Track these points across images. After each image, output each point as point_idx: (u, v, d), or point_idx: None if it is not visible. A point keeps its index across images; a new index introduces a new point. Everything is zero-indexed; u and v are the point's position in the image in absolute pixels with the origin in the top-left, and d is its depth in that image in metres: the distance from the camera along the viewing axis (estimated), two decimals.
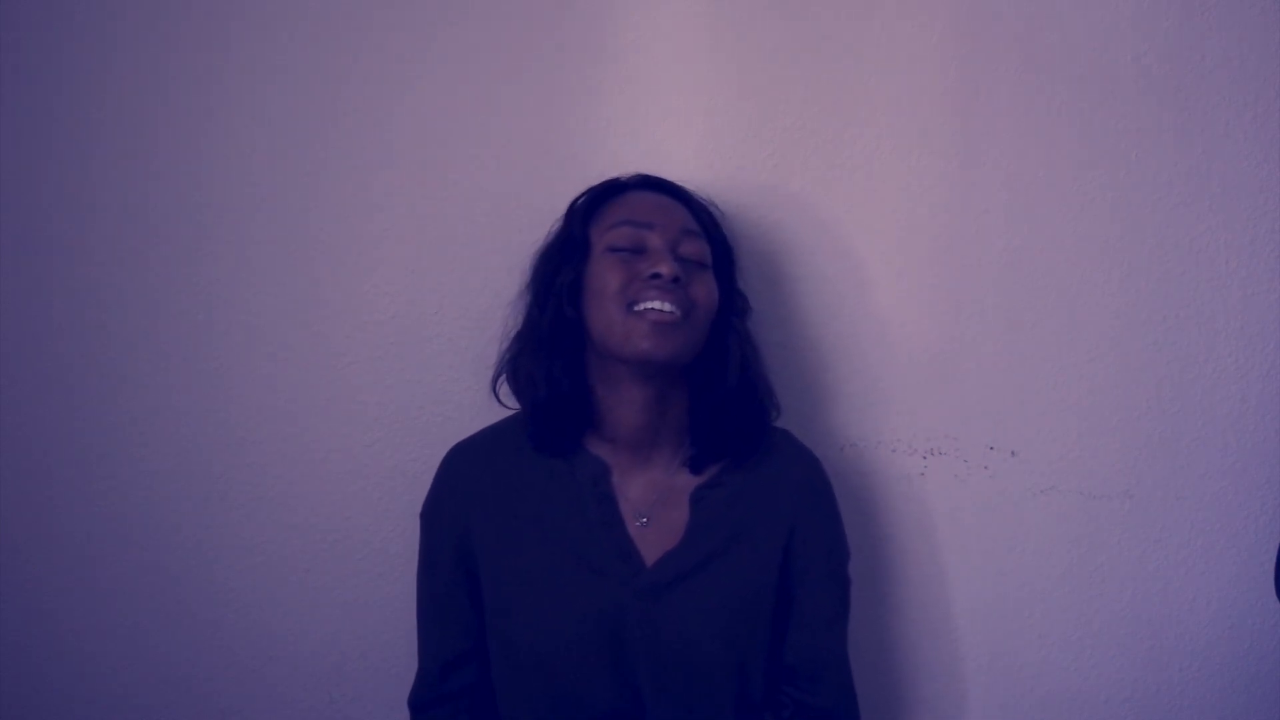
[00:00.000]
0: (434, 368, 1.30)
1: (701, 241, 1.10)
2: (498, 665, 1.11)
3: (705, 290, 1.07)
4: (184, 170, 1.28)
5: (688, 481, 1.11)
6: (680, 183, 1.16)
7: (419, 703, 1.14)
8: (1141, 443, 1.33)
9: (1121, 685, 1.35)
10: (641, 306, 1.03)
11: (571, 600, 1.07)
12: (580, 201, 1.14)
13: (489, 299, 1.29)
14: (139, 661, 1.32)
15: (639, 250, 1.06)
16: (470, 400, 1.29)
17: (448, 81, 1.28)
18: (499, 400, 1.16)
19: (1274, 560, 1.29)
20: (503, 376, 1.14)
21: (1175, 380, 1.32)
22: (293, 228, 1.29)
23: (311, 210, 1.29)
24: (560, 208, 1.15)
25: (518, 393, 1.12)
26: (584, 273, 1.08)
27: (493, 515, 1.10)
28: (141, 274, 1.29)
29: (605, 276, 1.05)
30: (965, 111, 1.30)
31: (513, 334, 1.14)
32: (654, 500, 1.10)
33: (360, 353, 1.30)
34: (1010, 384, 1.32)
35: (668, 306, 1.02)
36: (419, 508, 1.17)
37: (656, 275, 1.03)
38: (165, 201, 1.28)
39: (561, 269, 1.09)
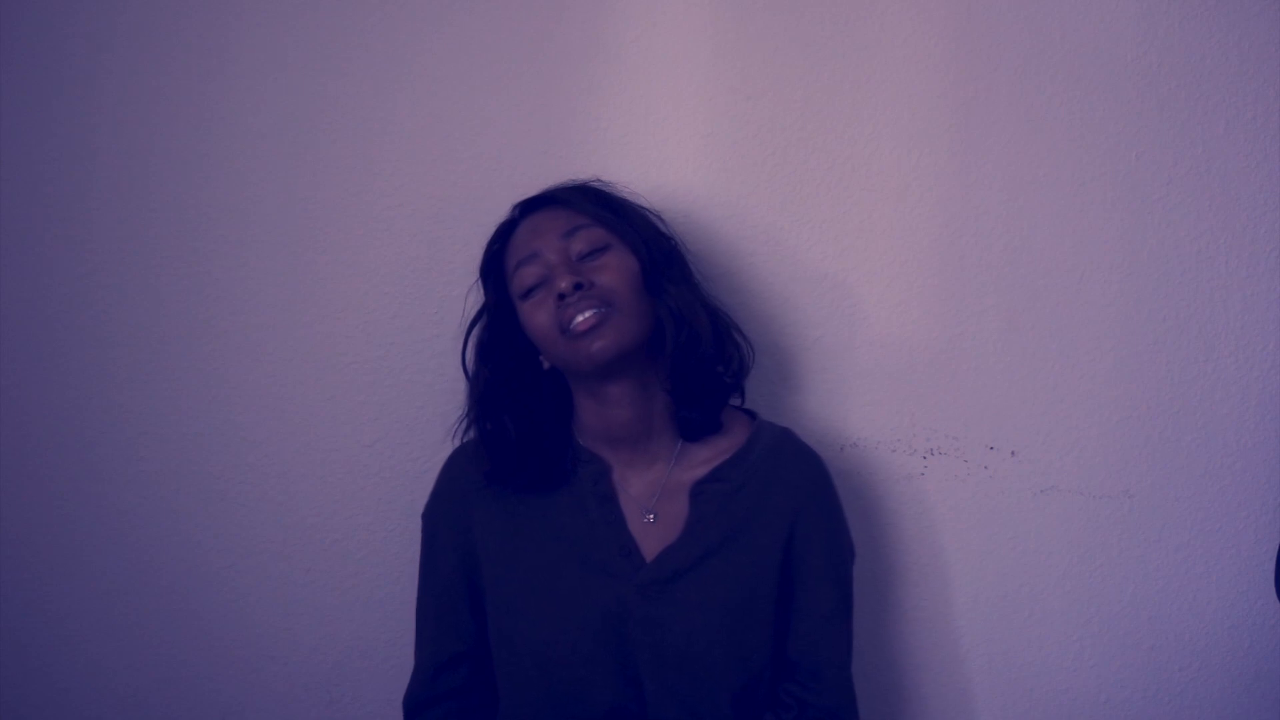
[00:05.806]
0: (434, 368, 1.30)
1: (589, 228, 1.09)
2: (500, 666, 1.11)
3: (611, 270, 1.07)
4: (184, 170, 1.28)
5: (689, 475, 1.12)
6: (631, 185, 1.17)
7: (413, 703, 1.15)
8: (1141, 443, 1.32)
9: (1121, 685, 1.35)
10: (571, 326, 1.04)
11: (574, 598, 1.08)
12: (484, 264, 1.16)
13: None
14: (139, 661, 1.32)
15: (543, 281, 1.07)
16: None
17: (447, 82, 1.28)
18: None
19: (1274, 560, 1.29)
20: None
21: (1175, 380, 1.32)
22: (293, 228, 1.29)
23: (312, 210, 1.29)
24: None
25: (487, 452, 1.13)
26: (516, 320, 1.11)
27: (494, 515, 1.12)
28: (141, 274, 1.29)
29: (533, 323, 1.08)
30: (965, 111, 1.29)
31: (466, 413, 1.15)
32: (657, 495, 1.12)
33: (360, 353, 1.30)
34: (1010, 384, 1.32)
35: (588, 313, 1.04)
36: (419, 508, 1.17)
37: (561, 296, 1.04)
38: (165, 201, 1.28)
39: (497, 343, 1.14)
